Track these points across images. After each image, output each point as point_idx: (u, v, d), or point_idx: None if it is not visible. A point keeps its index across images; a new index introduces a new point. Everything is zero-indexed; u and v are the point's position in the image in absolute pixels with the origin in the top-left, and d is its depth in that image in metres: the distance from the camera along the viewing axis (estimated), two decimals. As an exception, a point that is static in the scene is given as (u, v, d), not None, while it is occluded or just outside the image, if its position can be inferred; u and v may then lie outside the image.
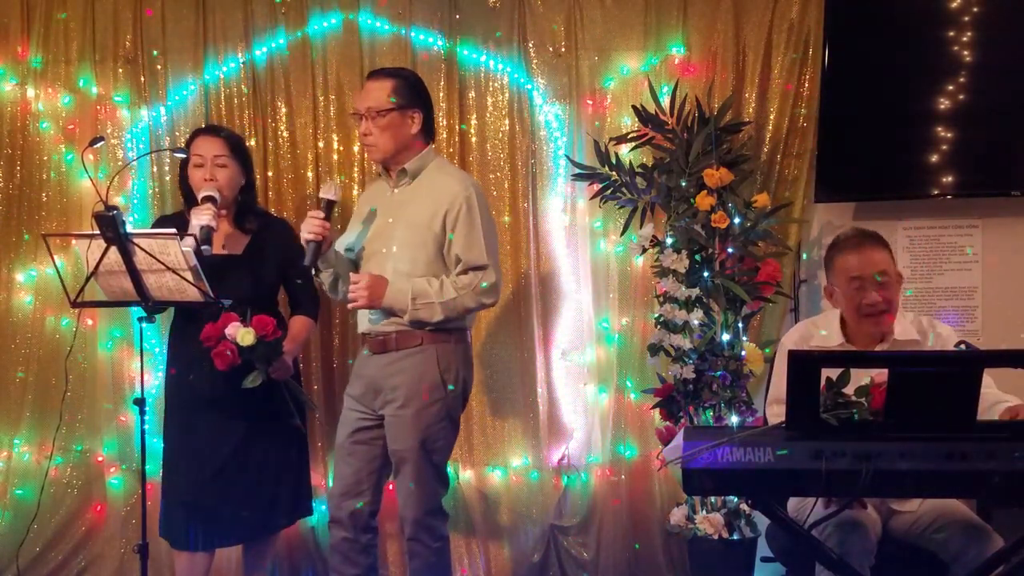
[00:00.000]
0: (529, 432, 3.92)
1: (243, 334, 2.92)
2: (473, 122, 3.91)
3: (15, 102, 3.90)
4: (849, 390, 2.30)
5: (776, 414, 2.86)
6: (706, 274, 3.55)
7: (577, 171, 3.77)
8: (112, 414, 3.87)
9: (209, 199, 3.09)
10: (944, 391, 2.21)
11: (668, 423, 3.60)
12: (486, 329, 3.91)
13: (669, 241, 3.58)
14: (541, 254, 3.92)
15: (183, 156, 3.20)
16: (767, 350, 3.58)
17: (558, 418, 3.93)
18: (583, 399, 3.94)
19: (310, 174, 3.89)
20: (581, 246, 3.92)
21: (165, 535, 3.23)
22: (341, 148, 3.90)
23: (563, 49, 3.88)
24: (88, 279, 2.88)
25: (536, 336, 3.89)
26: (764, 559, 3.33)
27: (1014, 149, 3.69)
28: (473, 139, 3.91)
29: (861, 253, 2.84)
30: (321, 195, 2.99)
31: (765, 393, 3.24)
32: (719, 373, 3.50)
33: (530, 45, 3.89)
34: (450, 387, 2.99)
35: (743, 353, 3.53)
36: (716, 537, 3.47)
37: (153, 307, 2.93)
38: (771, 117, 3.84)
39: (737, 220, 3.58)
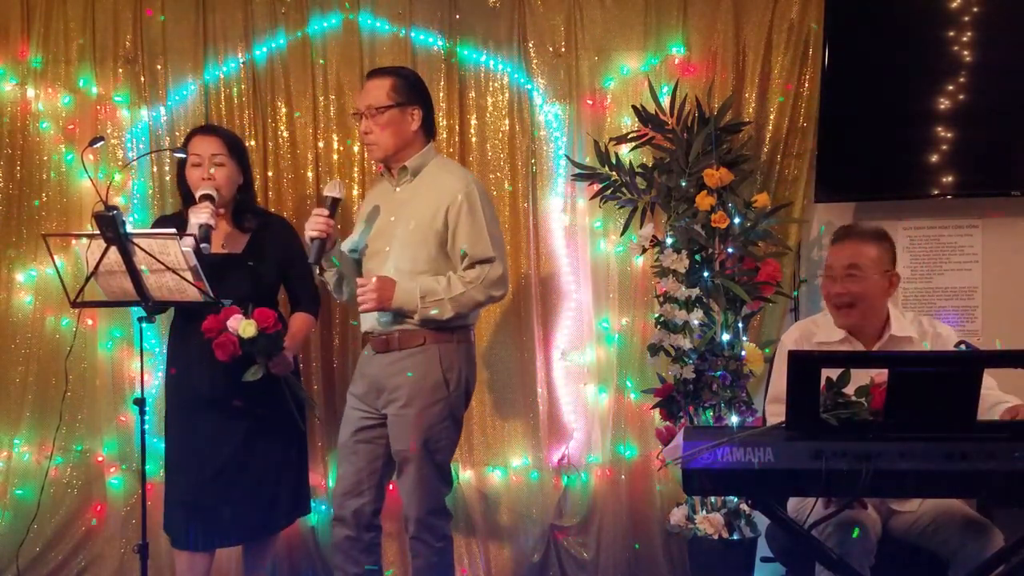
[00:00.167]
0: (529, 432, 3.92)
1: (244, 326, 2.93)
2: (473, 122, 3.91)
3: (15, 102, 3.90)
4: (849, 390, 2.31)
5: (775, 413, 2.86)
6: (706, 274, 3.55)
7: (577, 171, 3.77)
8: (112, 414, 3.87)
9: (207, 198, 3.09)
10: (944, 391, 2.21)
11: (668, 423, 3.60)
12: (486, 329, 3.91)
13: (669, 241, 3.58)
14: (541, 254, 3.92)
15: (182, 156, 3.20)
16: (767, 350, 3.57)
17: (558, 418, 3.94)
18: (583, 399, 3.94)
19: (310, 174, 3.89)
20: (581, 246, 3.92)
21: (168, 531, 3.23)
22: (341, 148, 3.91)
23: (563, 49, 3.88)
24: (88, 279, 2.88)
25: (536, 336, 3.89)
26: (764, 559, 3.32)
27: (1014, 149, 3.69)
28: (473, 139, 3.91)
29: (841, 246, 2.91)
30: (326, 193, 3.00)
31: (765, 393, 3.24)
32: (719, 373, 3.50)
33: (530, 45, 3.89)
34: (452, 387, 2.99)
35: (743, 353, 3.53)
36: (716, 537, 3.47)
37: (153, 307, 2.93)
38: (771, 117, 3.84)
39: (737, 220, 3.58)
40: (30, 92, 3.89)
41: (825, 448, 2.19)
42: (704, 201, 3.53)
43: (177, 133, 3.83)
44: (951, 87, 3.67)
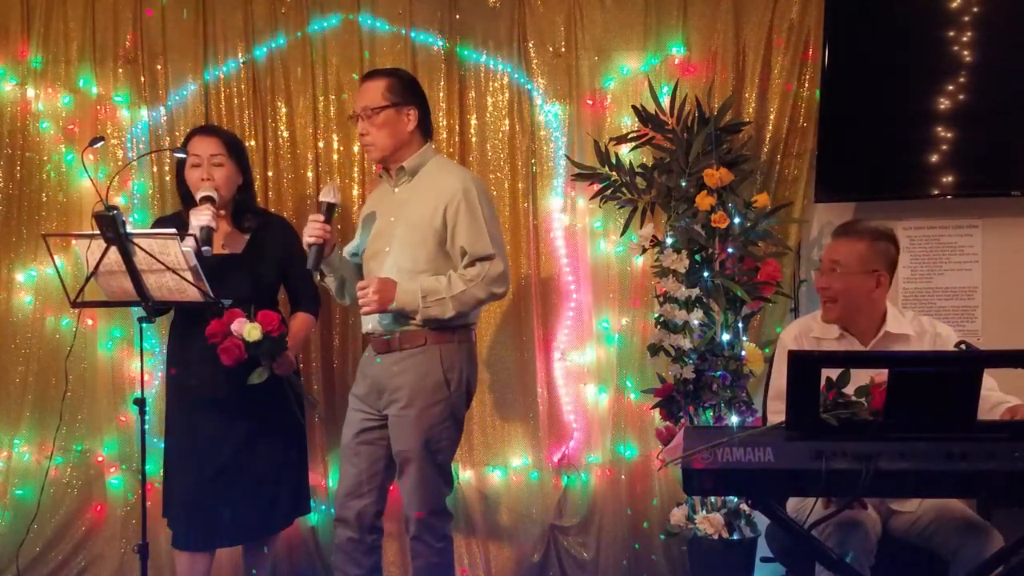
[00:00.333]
0: (529, 432, 3.92)
1: (249, 329, 2.93)
2: (473, 122, 3.91)
3: (15, 102, 3.90)
4: (849, 390, 2.31)
5: (777, 410, 2.87)
6: (706, 274, 3.55)
7: (577, 171, 3.77)
8: (112, 414, 3.87)
9: (207, 199, 3.08)
10: (944, 391, 2.21)
11: (668, 423, 3.60)
12: (487, 329, 3.91)
13: (669, 241, 3.58)
14: (541, 254, 3.92)
15: (182, 156, 3.19)
16: (767, 350, 3.58)
17: (558, 418, 3.94)
18: (583, 399, 3.94)
19: (310, 174, 3.89)
20: (581, 246, 3.92)
21: (169, 525, 3.23)
22: (341, 148, 3.91)
23: (563, 49, 3.88)
24: (88, 279, 2.88)
25: (536, 336, 3.89)
26: (764, 559, 3.32)
27: (1014, 149, 3.69)
28: (473, 139, 3.92)
29: (834, 242, 2.96)
30: (321, 198, 3.00)
31: (765, 392, 3.24)
32: (719, 373, 3.50)
33: (530, 45, 3.89)
34: (453, 387, 2.99)
35: (743, 353, 3.53)
36: (716, 537, 3.47)
37: (153, 307, 2.93)
38: (771, 117, 3.84)
39: (737, 220, 3.58)
40: (30, 92, 3.89)
41: (825, 448, 2.19)
42: (704, 201, 3.53)
43: (177, 133, 3.83)
44: (951, 87, 3.66)
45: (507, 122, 3.90)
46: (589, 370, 3.92)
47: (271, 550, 3.44)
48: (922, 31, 3.71)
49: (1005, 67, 3.64)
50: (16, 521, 3.83)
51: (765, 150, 3.84)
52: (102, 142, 3.23)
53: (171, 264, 2.80)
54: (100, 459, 3.89)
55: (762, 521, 3.32)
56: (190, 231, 3.00)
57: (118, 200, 3.76)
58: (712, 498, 3.52)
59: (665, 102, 3.73)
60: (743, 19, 3.84)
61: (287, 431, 3.23)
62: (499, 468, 3.94)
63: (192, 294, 2.87)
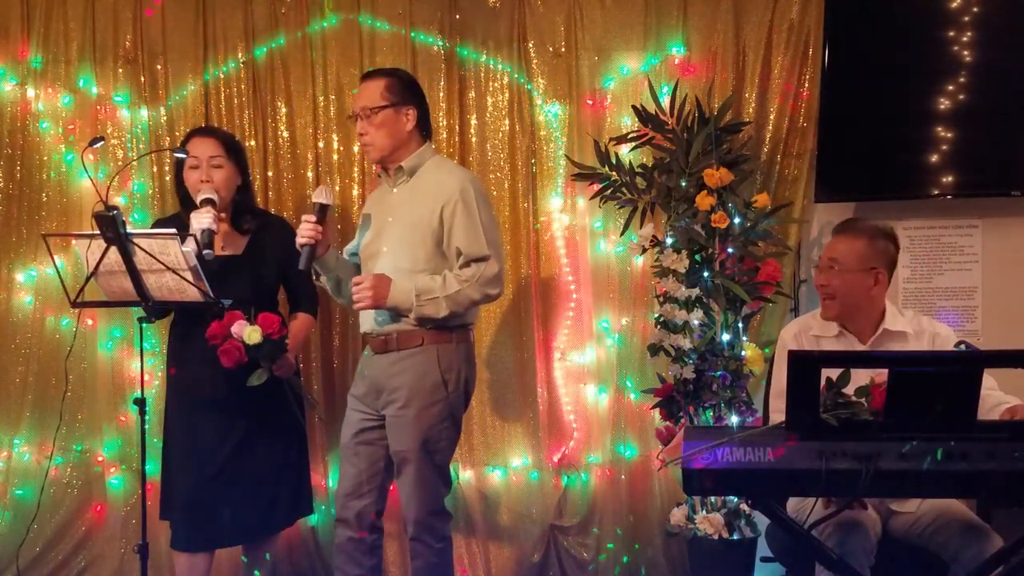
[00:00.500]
0: (529, 432, 3.92)
1: (250, 332, 2.93)
2: (473, 122, 3.91)
3: (15, 102, 3.90)
4: (849, 390, 2.31)
5: (779, 408, 2.87)
6: (706, 274, 3.55)
7: (577, 171, 3.77)
8: (112, 414, 3.87)
9: (208, 201, 3.08)
10: (944, 391, 2.21)
11: (668, 423, 3.60)
12: (486, 329, 3.91)
13: (669, 241, 3.58)
14: (541, 254, 3.92)
15: (183, 157, 3.19)
16: (767, 350, 3.58)
17: (558, 418, 3.94)
18: (583, 399, 3.94)
19: (310, 174, 3.89)
20: (581, 246, 3.92)
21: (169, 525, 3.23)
22: (341, 148, 3.91)
23: (563, 49, 3.88)
24: (88, 279, 2.88)
25: (536, 336, 3.89)
26: (764, 559, 3.32)
27: (1014, 149, 3.69)
28: (473, 139, 3.92)
29: (832, 239, 2.97)
30: (314, 199, 2.99)
31: (765, 391, 3.24)
32: (719, 373, 3.50)
33: (530, 45, 3.89)
34: (451, 387, 2.99)
35: (743, 353, 3.53)
36: (716, 537, 3.47)
37: (153, 307, 2.93)
38: (771, 117, 3.84)
39: (737, 220, 3.58)
40: (30, 92, 3.89)
41: (825, 448, 2.19)
42: (704, 201, 3.53)
43: (177, 133, 3.83)
44: (951, 87, 3.67)
45: (507, 122, 3.90)
46: (589, 370, 3.92)
47: (271, 550, 3.44)
48: (922, 31, 3.71)
49: (1005, 67, 3.64)
50: (16, 521, 3.83)
51: (765, 150, 3.85)
52: (102, 142, 3.23)
53: (171, 264, 2.80)
54: (100, 459, 3.89)
55: (762, 521, 3.32)
56: (191, 233, 2.99)
57: (118, 200, 3.76)
58: (712, 498, 3.52)
59: (665, 102, 3.73)
60: (743, 19, 3.84)
61: (287, 431, 3.23)
62: (499, 468, 3.94)
63: (192, 294, 2.86)
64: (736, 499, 3.49)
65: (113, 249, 2.77)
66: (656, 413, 3.65)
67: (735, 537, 3.48)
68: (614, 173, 3.69)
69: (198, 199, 3.10)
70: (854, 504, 2.65)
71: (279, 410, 3.17)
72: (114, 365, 3.88)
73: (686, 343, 3.54)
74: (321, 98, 3.89)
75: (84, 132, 3.83)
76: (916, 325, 2.94)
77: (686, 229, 3.55)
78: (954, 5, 3.66)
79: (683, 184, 3.59)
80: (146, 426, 3.07)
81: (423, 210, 2.99)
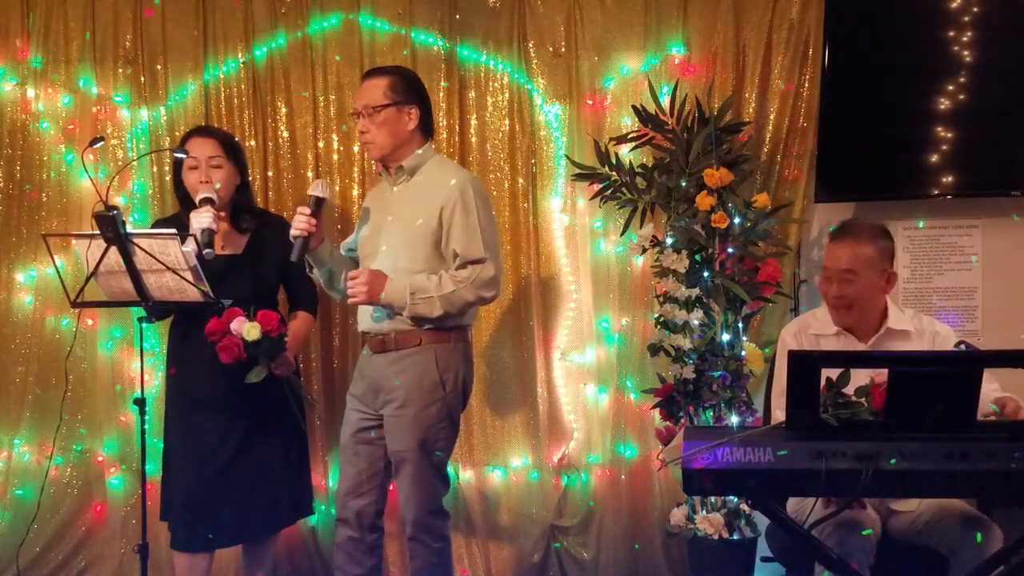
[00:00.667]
0: (529, 432, 3.92)
1: (248, 328, 2.92)
2: (473, 122, 3.91)
3: (15, 102, 3.90)
4: (849, 390, 2.31)
5: (780, 407, 2.86)
6: (706, 274, 3.55)
7: (577, 171, 3.77)
8: (112, 414, 3.87)
9: (208, 201, 3.08)
10: (944, 391, 2.21)
11: (668, 423, 3.60)
12: (486, 329, 3.91)
13: (669, 241, 3.58)
14: (541, 254, 3.92)
15: (182, 157, 3.19)
16: (767, 350, 3.58)
17: (558, 418, 3.94)
18: (583, 399, 3.94)
19: (310, 174, 3.89)
20: (581, 246, 3.92)
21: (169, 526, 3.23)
22: (341, 148, 3.91)
23: (563, 49, 3.88)
24: (88, 279, 2.88)
25: (536, 336, 3.89)
26: (764, 559, 3.32)
27: (1014, 149, 3.69)
28: (473, 139, 3.92)
29: (837, 245, 2.91)
30: (310, 192, 2.99)
31: (766, 391, 3.25)
32: (719, 373, 3.50)
33: (530, 45, 3.89)
34: (449, 387, 2.99)
35: (743, 353, 3.53)
36: (716, 537, 3.47)
37: (153, 307, 2.93)
38: (771, 117, 3.84)
39: (737, 220, 3.58)
40: (30, 92, 3.89)
41: (825, 448, 2.19)
42: (704, 201, 3.52)
43: (177, 133, 3.82)
44: (951, 87, 3.67)
45: (507, 122, 3.90)
46: (589, 370, 3.92)
47: (271, 550, 3.44)
48: (922, 31, 3.71)
49: (1005, 67, 3.64)
50: (16, 521, 3.83)
51: (765, 150, 3.85)
52: (102, 142, 3.23)
53: (171, 264, 2.80)
54: (100, 459, 3.89)
55: (762, 521, 3.32)
56: (191, 233, 2.99)
57: (118, 200, 3.76)
58: (712, 498, 3.52)
59: (665, 102, 3.73)
60: (743, 19, 3.84)
61: (287, 431, 3.23)
62: (499, 468, 3.94)
63: (192, 294, 2.86)
64: (736, 499, 3.49)
65: (113, 249, 2.77)
66: (656, 413, 3.65)
67: (735, 537, 3.48)
68: (614, 173, 3.69)
69: (197, 198, 3.10)
70: (854, 504, 2.65)
71: (279, 410, 3.17)
72: (114, 365, 3.88)
73: (686, 343, 3.54)
74: (321, 98, 3.89)
75: (84, 132, 3.83)
76: (917, 324, 2.94)
77: (686, 229, 3.55)
78: (954, 5, 3.66)
79: (683, 184, 3.59)
80: (146, 426, 3.07)
81: (423, 210, 2.99)
